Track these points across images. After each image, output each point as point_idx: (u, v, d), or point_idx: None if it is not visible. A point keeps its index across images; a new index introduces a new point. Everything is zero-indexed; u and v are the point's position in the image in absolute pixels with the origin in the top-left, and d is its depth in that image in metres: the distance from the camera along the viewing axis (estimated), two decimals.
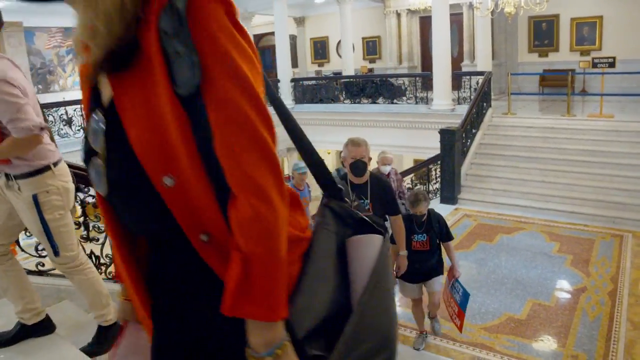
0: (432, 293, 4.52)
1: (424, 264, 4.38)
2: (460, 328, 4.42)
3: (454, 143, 8.80)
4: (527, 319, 4.99)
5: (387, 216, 4.01)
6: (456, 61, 14.11)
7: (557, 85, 13.00)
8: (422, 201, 4.30)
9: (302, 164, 5.74)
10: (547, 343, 4.62)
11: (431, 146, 9.77)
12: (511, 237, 7.23)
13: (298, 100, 14.15)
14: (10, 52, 15.75)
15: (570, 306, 5.23)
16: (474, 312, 5.15)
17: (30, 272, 3.26)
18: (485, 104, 10.58)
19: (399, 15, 16.95)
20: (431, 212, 4.47)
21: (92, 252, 3.52)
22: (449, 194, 8.92)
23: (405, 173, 8.99)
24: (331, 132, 13.46)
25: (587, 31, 13.30)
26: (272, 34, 16.46)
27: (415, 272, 4.32)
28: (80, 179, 3.39)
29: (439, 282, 4.50)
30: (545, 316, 5.03)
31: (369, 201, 3.77)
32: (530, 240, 7.06)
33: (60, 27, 17.09)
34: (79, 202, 3.44)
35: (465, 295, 4.35)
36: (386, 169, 5.75)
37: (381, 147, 12.92)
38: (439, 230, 4.41)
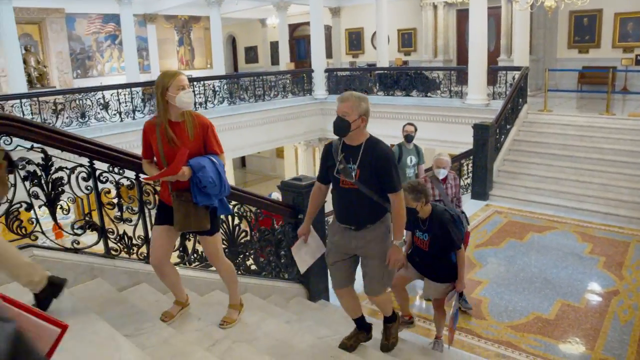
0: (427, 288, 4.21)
1: (424, 264, 4.02)
2: (449, 341, 4.15)
3: (488, 138, 8.67)
4: (556, 320, 4.91)
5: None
6: (492, 56, 13.88)
7: (596, 82, 12.67)
8: (407, 193, 3.63)
9: None
10: (575, 345, 4.54)
11: (464, 141, 9.66)
12: (542, 236, 7.10)
13: (331, 90, 14.15)
14: (52, 37, 16.17)
15: (601, 309, 5.13)
16: (501, 309, 5.11)
17: (66, 250, 3.37)
18: (520, 99, 10.38)
19: (435, 7, 16.75)
20: (435, 211, 3.87)
21: (124, 233, 3.62)
22: (480, 190, 8.82)
23: None
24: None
25: (631, 27, 12.91)
26: (307, 24, 16.47)
27: (414, 264, 4.07)
28: (117, 161, 3.48)
29: (436, 290, 4.07)
30: (574, 317, 4.94)
31: (356, 167, 3.14)
32: (562, 240, 6.93)
33: (99, 13, 17.43)
34: (114, 183, 3.53)
35: (456, 314, 4.09)
36: (441, 173, 4.90)
37: (414, 141, 12.97)
38: (440, 235, 3.82)
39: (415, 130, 6.50)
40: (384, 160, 3.14)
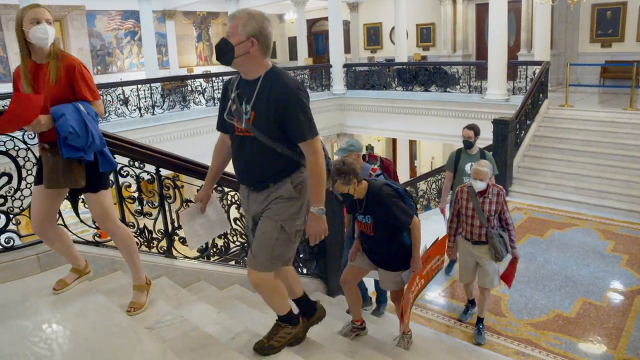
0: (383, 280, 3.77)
1: (373, 252, 3.62)
2: (405, 328, 3.72)
3: (507, 134, 8.58)
4: (577, 318, 4.85)
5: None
6: (512, 50, 13.71)
7: (619, 77, 12.43)
8: (335, 178, 3.22)
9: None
10: (596, 344, 4.47)
11: (483, 136, 9.47)
12: (563, 233, 7.01)
13: (350, 86, 14.12)
14: (73, 34, 16.38)
15: (623, 308, 5.04)
16: (520, 306, 5.05)
17: (87, 243, 3.41)
18: (541, 94, 10.24)
19: (454, 2, 16.60)
20: (372, 189, 3.38)
21: (145, 227, 3.65)
22: (500, 185, 8.69)
23: None
24: (382, 119, 13.41)
25: None
26: (326, 19, 16.46)
27: (365, 252, 3.68)
28: (137, 155, 3.51)
29: (393, 281, 3.66)
30: (595, 316, 4.87)
31: (250, 108, 2.43)
32: (583, 237, 6.83)
33: (119, 10, 17.60)
34: (134, 177, 3.56)
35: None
36: (477, 185, 4.26)
37: (432, 136, 12.91)
38: (383, 214, 3.37)
39: (476, 134, 5.67)
40: (284, 99, 2.39)
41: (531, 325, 4.73)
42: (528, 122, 9.69)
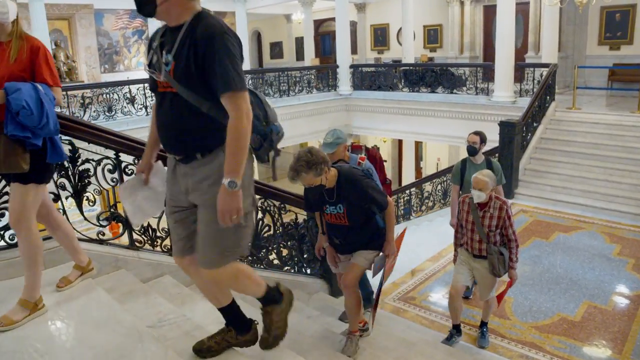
0: (350, 266, 3.46)
1: (349, 243, 3.43)
2: (371, 322, 3.61)
3: (514, 136, 8.54)
4: (582, 321, 4.81)
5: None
6: (520, 52, 13.65)
7: (628, 80, 12.35)
8: (305, 171, 2.99)
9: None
10: (601, 348, 4.44)
11: (490, 139, 9.49)
12: (568, 236, 6.97)
13: (356, 86, 14.12)
14: (81, 33, 16.45)
15: (629, 312, 5.00)
16: (525, 309, 5.03)
17: (91, 240, 3.42)
18: (548, 97, 10.19)
19: (462, 3, 16.55)
20: (342, 174, 3.20)
21: (149, 225, 3.66)
22: (506, 188, 8.56)
23: None
24: (388, 120, 13.39)
25: None
26: (333, 19, 16.45)
27: (337, 248, 3.56)
28: (142, 153, 3.51)
29: (363, 257, 3.41)
30: (601, 320, 4.84)
31: (171, 57, 2.09)
32: (589, 241, 6.78)
33: (127, 9, 17.66)
34: None
35: (380, 285, 3.58)
36: (475, 196, 3.99)
37: (438, 137, 12.88)
38: (358, 198, 3.20)
39: (482, 141, 5.22)
40: (205, 42, 2.02)
41: (535, 329, 4.70)
42: (535, 124, 9.64)
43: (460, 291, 4.28)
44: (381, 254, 3.41)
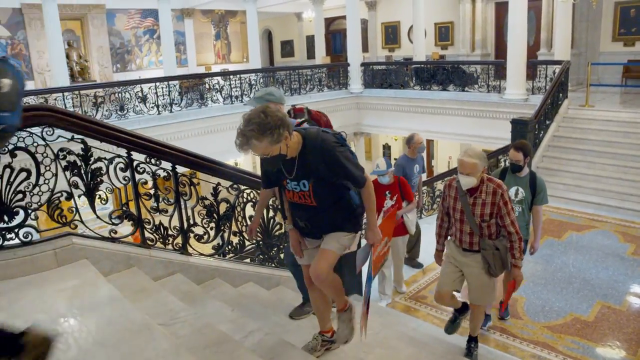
0: (320, 253, 2.69)
1: (318, 227, 2.73)
2: (362, 327, 2.86)
3: (526, 134, 8.48)
4: (595, 322, 4.77)
5: None
6: (532, 50, 13.54)
7: None
8: (251, 137, 2.29)
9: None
10: (615, 349, 4.39)
11: (501, 136, 9.49)
12: (581, 235, 6.91)
13: (367, 84, 14.10)
14: (93, 32, 16.58)
15: None
16: (537, 309, 4.99)
17: (103, 239, 3.44)
18: (561, 94, 10.10)
19: (473, 0, 16.44)
20: (308, 139, 2.48)
21: (160, 224, 3.67)
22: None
23: None
24: (399, 118, 13.36)
25: None
26: (344, 17, 16.42)
27: (303, 233, 2.82)
28: (154, 152, 3.54)
29: (336, 240, 2.67)
30: (614, 320, 4.79)
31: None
32: (602, 240, 6.72)
33: (138, 9, 17.76)
34: (151, 174, 3.59)
35: (369, 281, 2.84)
36: (462, 182, 3.41)
37: (450, 135, 12.80)
38: (329, 169, 2.48)
39: (526, 156, 4.37)
40: None
41: (548, 328, 4.67)
42: (547, 122, 9.57)
43: (446, 297, 3.72)
44: (364, 242, 2.78)
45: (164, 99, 11.05)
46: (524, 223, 4.33)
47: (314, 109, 3.74)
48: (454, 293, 3.83)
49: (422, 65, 13.59)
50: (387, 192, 5.01)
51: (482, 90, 11.84)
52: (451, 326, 3.96)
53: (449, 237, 3.80)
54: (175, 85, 11.58)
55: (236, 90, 12.01)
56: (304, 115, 3.57)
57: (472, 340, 3.89)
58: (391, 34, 19.67)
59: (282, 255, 4.54)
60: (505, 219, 3.39)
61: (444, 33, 17.92)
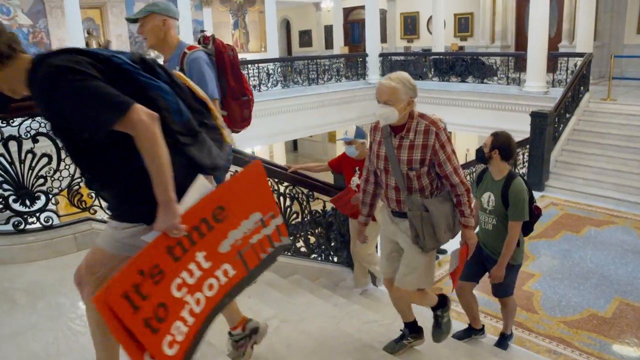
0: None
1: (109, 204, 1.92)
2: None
3: (546, 127, 8.38)
4: (613, 318, 4.72)
5: None
6: (553, 41, 13.33)
7: None
8: None
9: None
10: (633, 347, 4.34)
11: (520, 129, 9.36)
12: (600, 230, 6.83)
13: (385, 75, 14.00)
14: (112, 21, 16.68)
15: None
16: (554, 304, 4.95)
17: None
18: (582, 87, 9.95)
19: None
20: (33, 63, 1.59)
21: None
22: (536, 180, 8.54)
23: None
24: (417, 109, 13.26)
25: None
26: (362, 7, 16.30)
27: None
28: None
29: (114, 239, 1.81)
30: (633, 317, 4.73)
31: None
32: (622, 236, 6.63)
33: None
34: None
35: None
36: (380, 115, 2.63)
37: (468, 128, 12.70)
38: (48, 112, 1.66)
39: (497, 150, 3.38)
40: None
41: (564, 323, 4.63)
42: (567, 115, 9.43)
43: (390, 283, 2.93)
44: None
45: None
46: (499, 242, 3.41)
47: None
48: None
49: (441, 57, 13.47)
50: (356, 168, 4.10)
51: (502, 83, 11.71)
52: (393, 345, 3.07)
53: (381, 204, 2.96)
54: None
55: (254, 80, 12.01)
56: (210, 43, 2.95)
57: (404, 337, 3.09)
58: (410, 24, 19.50)
59: (298, 245, 4.56)
60: (445, 167, 2.58)
61: (463, 24, 17.73)
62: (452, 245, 2.99)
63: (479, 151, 3.48)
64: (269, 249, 1.94)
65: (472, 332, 3.91)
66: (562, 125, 9.26)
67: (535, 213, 3.45)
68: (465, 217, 2.67)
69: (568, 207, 7.72)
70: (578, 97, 9.78)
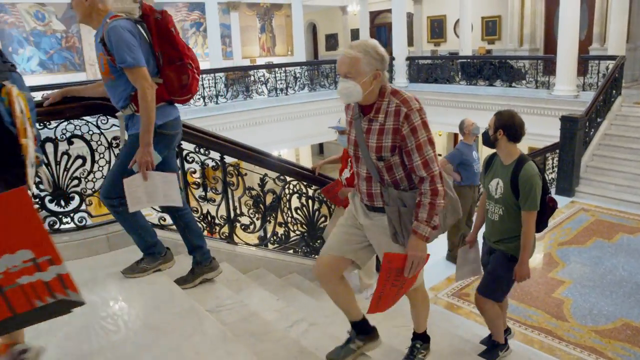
0: None
1: None
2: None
3: (576, 132, 8.23)
4: None
5: None
6: (583, 44, 13.09)
7: None
8: None
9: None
10: None
11: (549, 134, 9.23)
12: (633, 238, 6.66)
13: (412, 79, 13.99)
14: None
15: None
16: (585, 312, 4.85)
17: (153, 225, 3.53)
18: (614, 91, 9.75)
19: None
20: None
21: (208, 212, 3.74)
22: (566, 186, 8.39)
23: None
24: (444, 113, 13.18)
25: None
26: (389, 11, 16.27)
27: None
28: (202, 142, 3.60)
29: None
30: None
31: None
32: None
33: (186, 2, 18.05)
34: (199, 164, 3.65)
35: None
36: (341, 89, 2.16)
37: None
38: None
39: (502, 130, 3.14)
40: None
41: (596, 333, 4.53)
42: (599, 120, 9.25)
43: (325, 267, 2.45)
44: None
45: (210, 91, 11.23)
46: (506, 236, 3.11)
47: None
48: (346, 275, 2.60)
49: (469, 60, 13.37)
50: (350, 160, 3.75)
51: (530, 86, 11.56)
52: (338, 351, 2.56)
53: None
54: (221, 78, 11.74)
55: (281, 83, 12.09)
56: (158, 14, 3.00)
57: (350, 341, 2.59)
58: (437, 28, 19.38)
59: None
60: (413, 156, 2.13)
61: (491, 27, 17.54)
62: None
63: (485, 134, 3.21)
64: (47, 297, 1.69)
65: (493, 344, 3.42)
66: (593, 130, 9.08)
67: (549, 205, 3.07)
68: (418, 222, 2.16)
69: (599, 214, 7.56)
70: (610, 100, 9.58)
